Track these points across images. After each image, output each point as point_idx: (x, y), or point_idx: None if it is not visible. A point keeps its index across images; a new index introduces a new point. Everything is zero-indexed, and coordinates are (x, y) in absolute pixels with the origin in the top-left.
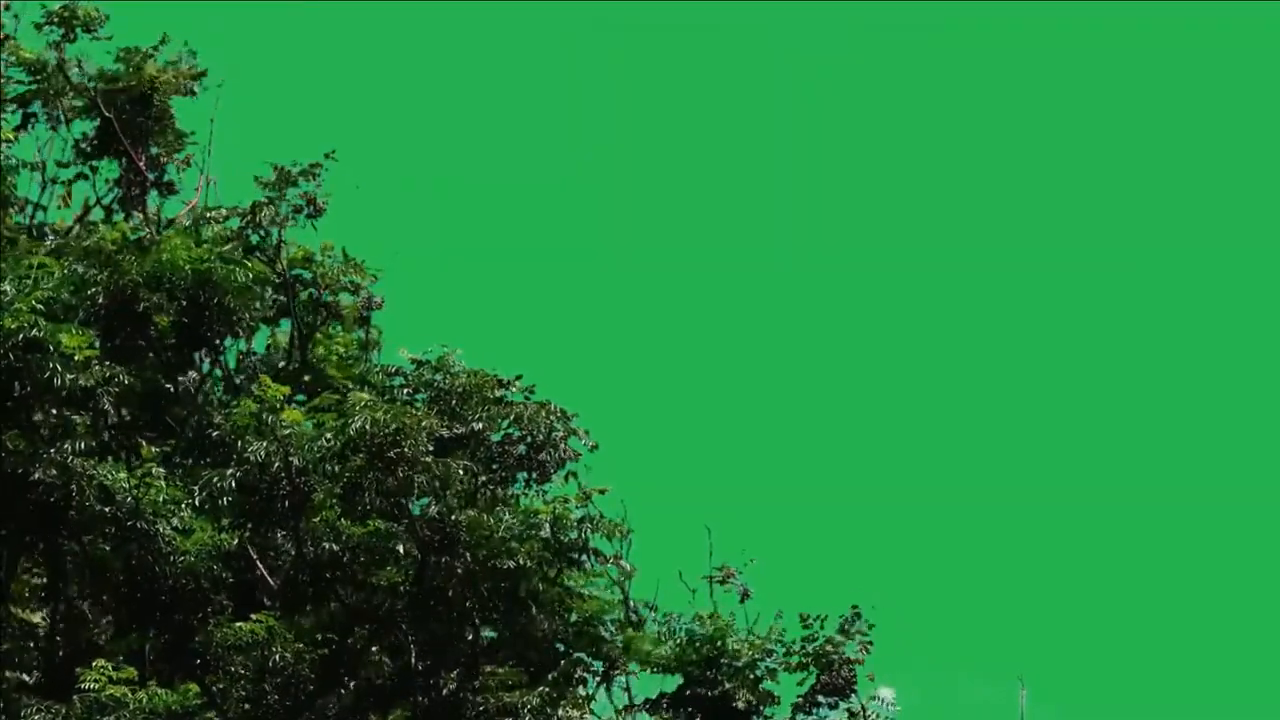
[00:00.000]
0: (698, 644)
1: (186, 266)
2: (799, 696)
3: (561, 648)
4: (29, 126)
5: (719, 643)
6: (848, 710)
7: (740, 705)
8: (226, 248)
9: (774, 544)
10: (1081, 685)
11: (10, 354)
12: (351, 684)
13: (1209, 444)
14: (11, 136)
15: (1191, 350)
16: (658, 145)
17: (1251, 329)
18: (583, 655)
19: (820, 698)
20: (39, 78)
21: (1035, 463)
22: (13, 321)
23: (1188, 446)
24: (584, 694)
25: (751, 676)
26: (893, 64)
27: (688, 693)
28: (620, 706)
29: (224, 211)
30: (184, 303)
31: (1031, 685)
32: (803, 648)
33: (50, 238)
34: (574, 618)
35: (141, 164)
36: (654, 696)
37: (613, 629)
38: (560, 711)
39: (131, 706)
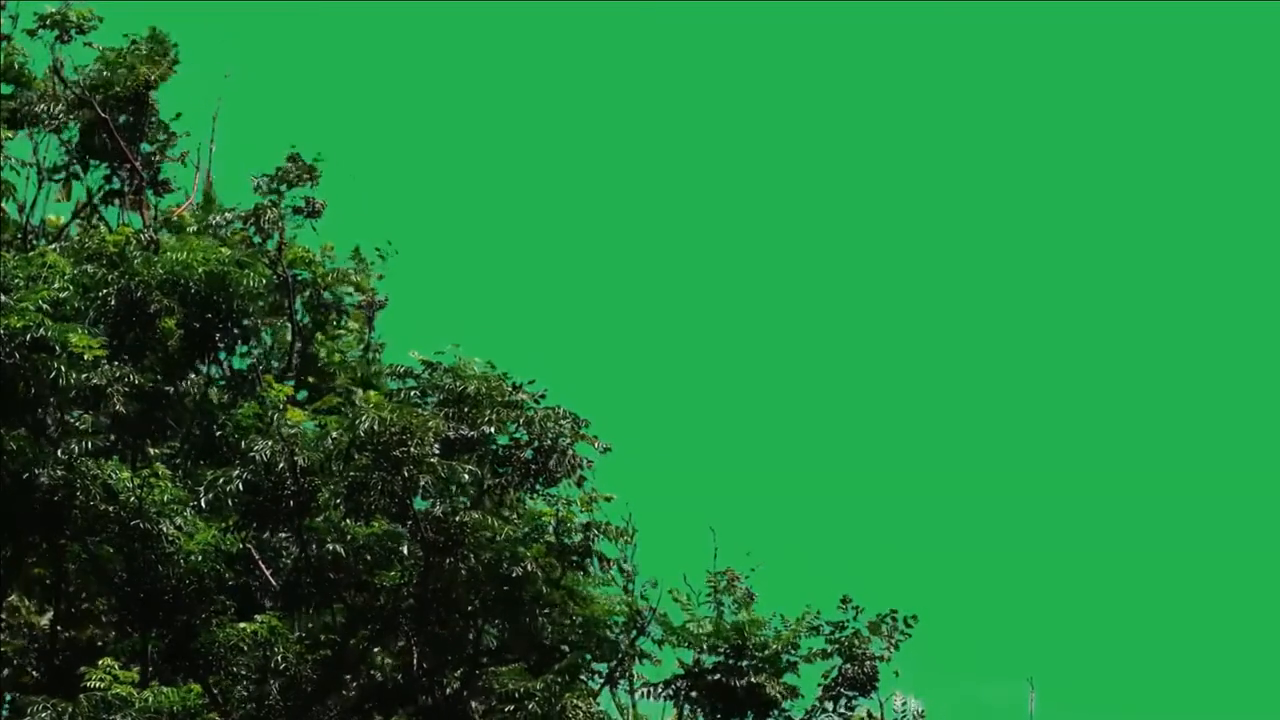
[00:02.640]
0: (727, 631)
1: (200, 269)
2: (820, 688)
3: (565, 649)
4: (18, 132)
5: (747, 630)
6: (868, 712)
7: (769, 692)
8: (243, 252)
9: (779, 543)
10: (1091, 686)
11: (16, 353)
12: (354, 685)
13: (1234, 447)
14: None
15: (1206, 349)
16: (658, 144)
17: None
18: (587, 655)
19: (841, 690)
20: (30, 86)
21: (1038, 462)
22: (19, 321)
23: (1209, 449)
24: (590, 687)
25: (776, 667)
26: (894, 60)
27: (712, 678)
28: (636, 690)
29: (228, 215)
30: (194, 307)
31: (1040, 686)
32: (832, 633)
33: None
34: (579, 619)
35: (136, 163)
36: (675, 677)
37: (618, 631)
38: (567, 699)
39: (137, 706)
